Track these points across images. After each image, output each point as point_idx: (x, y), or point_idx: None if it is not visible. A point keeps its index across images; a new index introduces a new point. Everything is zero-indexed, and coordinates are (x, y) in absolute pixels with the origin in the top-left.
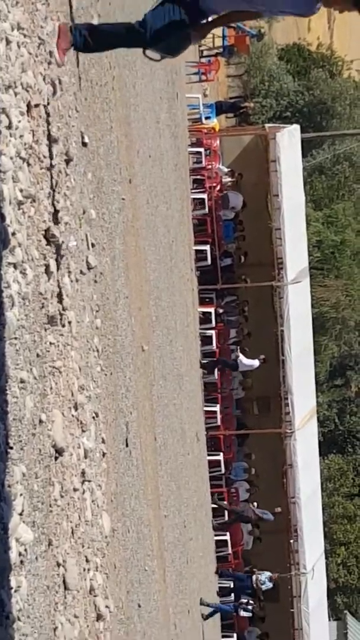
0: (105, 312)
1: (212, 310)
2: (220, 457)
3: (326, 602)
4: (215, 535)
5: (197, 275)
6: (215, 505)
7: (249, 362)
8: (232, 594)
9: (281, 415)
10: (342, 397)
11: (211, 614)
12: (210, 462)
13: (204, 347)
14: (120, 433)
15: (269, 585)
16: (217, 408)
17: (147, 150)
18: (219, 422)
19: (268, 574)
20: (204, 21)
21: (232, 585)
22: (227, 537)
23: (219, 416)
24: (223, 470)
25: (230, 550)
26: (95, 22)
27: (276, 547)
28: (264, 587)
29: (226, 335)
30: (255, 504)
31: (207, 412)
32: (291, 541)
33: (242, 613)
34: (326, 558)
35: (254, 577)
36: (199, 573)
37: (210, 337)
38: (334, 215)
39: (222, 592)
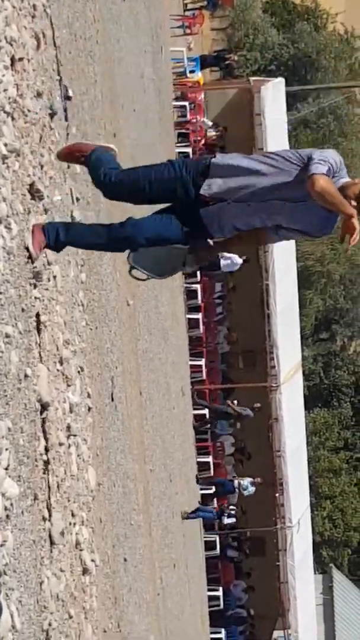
0: (90, 266)
1: None
2: (206, 411)
3: (312, 556)
4: (201, 490)
5: None
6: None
7: (229, 255)
8: (215, 500)
9: (266, 369)
10: (327, 351)
11: (193, 516)
12: (195, 416)
13: (190, 302)
14: (105, 387)
15: (252, 490)
16: (203, 362)
17: (132, 104)
18: (204, 376)
19: (250, 479)
20: (205, 242)
21: (214, 490)
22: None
23: (204, 370)
24: (209, 424)
25: (215, 504)
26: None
27: (262, 501)
28: (246, 493)
29: (211, 289)
30: (235, 401)
31: (192, 366)
32: (277, 495)
33: (226, 520)
34: (311, 512)
35: (235, 482)
36: (185, 526)
37: (195, 291)
38: None
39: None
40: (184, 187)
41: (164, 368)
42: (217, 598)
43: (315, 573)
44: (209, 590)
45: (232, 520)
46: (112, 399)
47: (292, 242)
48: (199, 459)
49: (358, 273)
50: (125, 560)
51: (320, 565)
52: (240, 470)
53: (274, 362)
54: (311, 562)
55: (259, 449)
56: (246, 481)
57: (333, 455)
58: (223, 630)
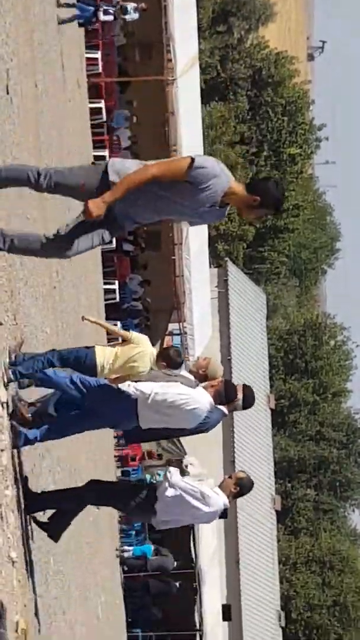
0: None
1: None
2: (102, 104)
3: (207, 250)
4: None
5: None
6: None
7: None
8: None
9: (163, 63)
10: (225, 44)
11: (69, 20)
12: (91, 109)
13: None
14: (0, 83)
15: (135, 15)
16: (99, 55)
17: None
18: (100, 69)
19: (133, 4)
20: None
21: None
22: None
23: (100, 63)
24: (105, 118)
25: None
26: None
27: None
28: (128, 18)
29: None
30: None
31: (88, 59)
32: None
33: (103, 17)
34: None
35: None
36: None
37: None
38: None
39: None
40: None
41: (60, 60)
42: (113, 291)
43: (210, 267)
44: (105, 283)
45: (110, 18)
46: (7, 92)
47: None
48: (94, 153)
49: None
50: None
51: (216, 259)
52: None
53: (170, 55)
54: (207, 256)
55: (155, 144)
56: (130, 6)
57: (229, 149)
58: (118, 322)
